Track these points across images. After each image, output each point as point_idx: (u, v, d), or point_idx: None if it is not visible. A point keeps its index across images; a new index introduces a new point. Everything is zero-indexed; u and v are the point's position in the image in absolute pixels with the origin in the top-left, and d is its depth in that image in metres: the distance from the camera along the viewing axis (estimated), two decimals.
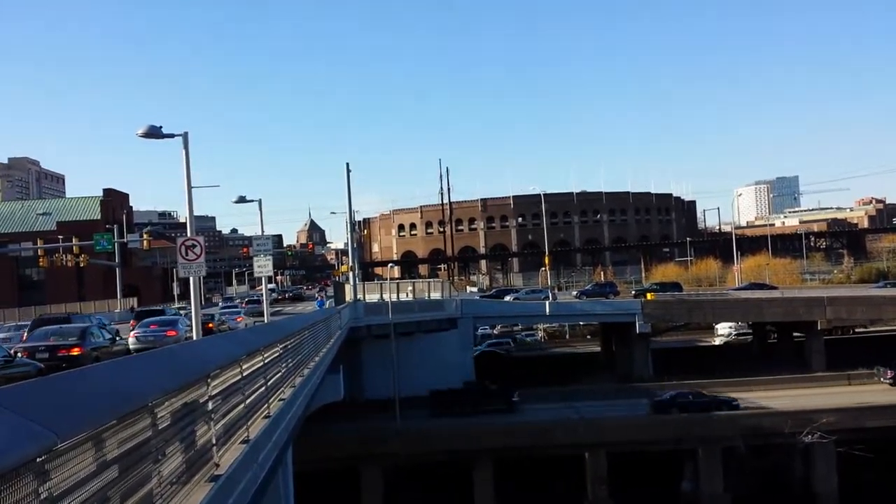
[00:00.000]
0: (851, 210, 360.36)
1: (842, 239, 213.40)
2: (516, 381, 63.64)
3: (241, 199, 47.16)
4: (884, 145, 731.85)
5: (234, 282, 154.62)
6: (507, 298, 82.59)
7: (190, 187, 28.83)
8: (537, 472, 48.64)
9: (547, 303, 72.12)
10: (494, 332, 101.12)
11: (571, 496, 47.63)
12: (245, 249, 79.62)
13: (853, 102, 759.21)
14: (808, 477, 47.94)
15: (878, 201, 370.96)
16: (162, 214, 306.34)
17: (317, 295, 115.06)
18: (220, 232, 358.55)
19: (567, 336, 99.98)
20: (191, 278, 28.37)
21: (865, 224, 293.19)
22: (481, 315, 72.22)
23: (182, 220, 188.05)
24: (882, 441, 48.18)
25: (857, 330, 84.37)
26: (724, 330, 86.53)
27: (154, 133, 28.76)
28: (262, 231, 48.47)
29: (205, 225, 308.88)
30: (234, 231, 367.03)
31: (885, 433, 48.04)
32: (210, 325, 43.41)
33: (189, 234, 28.78)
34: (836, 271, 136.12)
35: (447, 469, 48.57)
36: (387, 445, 47.99)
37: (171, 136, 29.12)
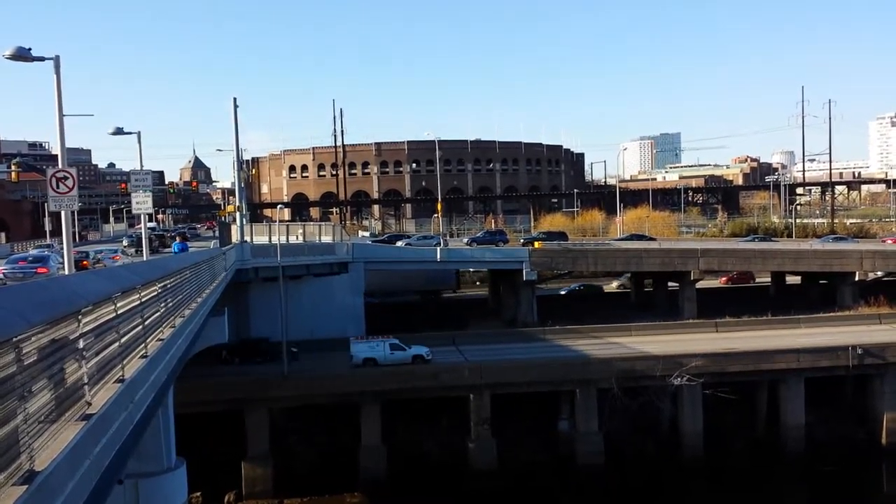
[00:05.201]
0: (728, 167, 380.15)
1: (717, 195, 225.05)
2: (406, 326, 64.30)
3: (119, 131, 44.50)
4: (760, 107, 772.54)
5: (112, 219, 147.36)
6: (399, 244, 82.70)
7: (61, 115, 26.98)
8: (424, 413, 49.67)
9: (438, 249, 72.72)
10: None
11: (456, 435, 49.00)
12: (123, 185, 75.65)
13: (733, 66, 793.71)
14: (676, 417, 51.13)
15: (753, 160, 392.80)
16: (33, 145, 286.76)
17: (176, 237, 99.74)
18: (96, 166, 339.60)
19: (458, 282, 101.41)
20: (62, 212, 26.78)
21: (740, 181, 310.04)
22: (373, 260, 72.04)
23: (54, 151, 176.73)
24: (743, 384, 51.96)
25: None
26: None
27: (22, 55, 26.69)
28: (141, 165, 45.98)
29: (80, 158, 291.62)
30: (112, 165, 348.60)
31: (746, 376, 51.81)
32: (85, 262, 41.51)
33: (60, 166, 27.05)
34: (710, 225, 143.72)
35: (335, 411, 48.85)
36: (274, 389, 47.68)
37: (41, 59, 27.13)
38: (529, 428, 50.30)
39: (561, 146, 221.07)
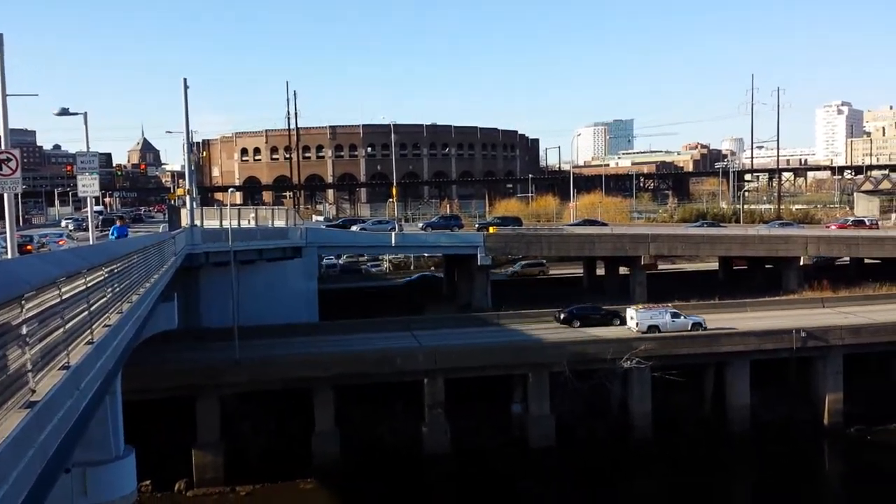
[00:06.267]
0: (679, 154, 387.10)
1: (668, 181, 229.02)
2: (361, 311, 64.23)
3: (64, 112, 43.23)
4: (710, 95, 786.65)
5: (58, 202, 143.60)
6: (354, 228, 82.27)
7: (4, 94, 26.16)
8: (378, 398, 49.71)
9: (393, 234, 72.57)
10: (340, 262, 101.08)
11: (410, 420, 49.18)
12: (69, 167, 73.62)
13: (685, 53, 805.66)
14: (625, 399, 52.11)
15: (703, 147, 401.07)
16: None
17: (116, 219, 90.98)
18: (41, 147, 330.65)
19: (412, 267, 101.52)
20: (5, 195, 26.03)
21: (690, 168, 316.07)
22: (327, 244, 71.62)
23: None
24: (691, 366, 53.16)
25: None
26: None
27: None
28: (88, 147, 44.81)
29: (23, 139, 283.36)
30: (58, 147, 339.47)
31: (694, 359, 53.03)
32: (28, 247, 40.50)
33: (3, 147, 26.25)
34: (661, 211, 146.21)
35: (288, 397, 48.55)
36: (225, 375, 47.11)
37: None
38: (483, 412, 50.74)
39: (516, 132, 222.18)
